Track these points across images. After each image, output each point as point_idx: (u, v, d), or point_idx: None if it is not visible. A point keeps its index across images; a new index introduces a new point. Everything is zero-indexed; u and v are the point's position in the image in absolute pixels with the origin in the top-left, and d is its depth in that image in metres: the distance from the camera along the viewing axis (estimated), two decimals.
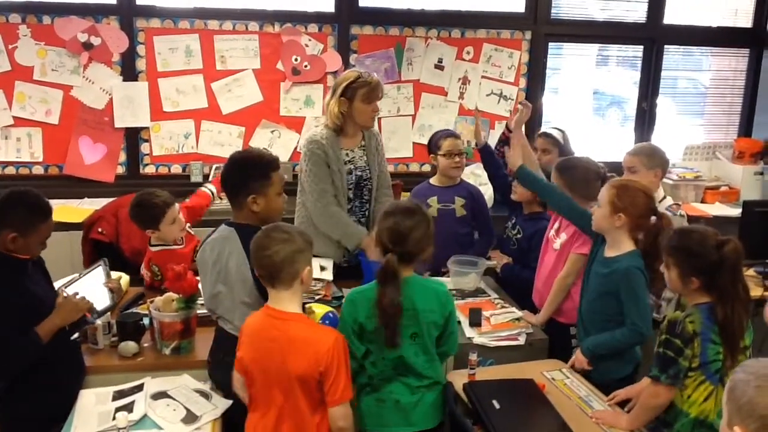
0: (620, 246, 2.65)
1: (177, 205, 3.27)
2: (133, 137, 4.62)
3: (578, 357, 2.71)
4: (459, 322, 2.79)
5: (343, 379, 2.11)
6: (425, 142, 4.82)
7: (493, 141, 4.24)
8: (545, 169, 3.52)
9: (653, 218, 2.62)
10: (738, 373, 1.40)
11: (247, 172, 2.45)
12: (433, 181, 3.79)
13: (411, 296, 2.28)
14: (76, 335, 2.68)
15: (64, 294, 2.47)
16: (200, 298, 2.63)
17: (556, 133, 3.83)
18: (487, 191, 4.42)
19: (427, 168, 4.82)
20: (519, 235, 3.50)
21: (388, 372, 2.35)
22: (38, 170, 4.55)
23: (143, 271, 3.28)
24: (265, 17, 4.62)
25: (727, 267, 2.19)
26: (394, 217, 2.30)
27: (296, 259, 2.12)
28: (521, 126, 3.32)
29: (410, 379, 2.35)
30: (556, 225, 3.12)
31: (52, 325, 2.34)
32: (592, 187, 2.97)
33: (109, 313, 2.83)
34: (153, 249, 3.24)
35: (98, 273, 2.93)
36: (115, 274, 3.23)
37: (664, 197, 3.32)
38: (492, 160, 3.77)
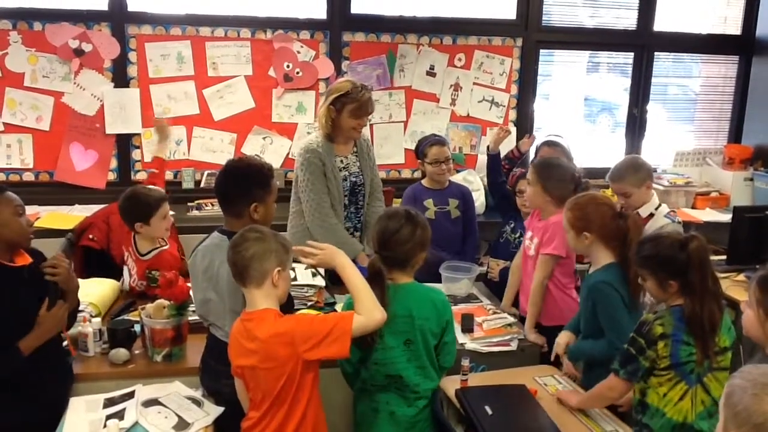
0: (599, 260, 2.66)
1: (167, 204, 3.27)
2: (125, 144, 4.61)
3: (565, 362, 2.74)
4: None
5: (330, 322, 2.09)
6: None
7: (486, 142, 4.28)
8: None
9: (621, 221, 2.60)
10: (736, 378, 1.41)
11: (250, 180, 2.46)
12: (425, 183, 3.82)
13: (406, 302, 2.30)
14: (64, 343, 2.67)
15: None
16: (192, 305, 2.62)
17: (561, 141, 3.84)
18: (479, 198, 4.44)
19: (419, 174, 4.84)
20: (521, 238, 3.50)
21: (380, 378, 2.34)
22: (29, 177, 4.53)
23: (134, 282, 3.25)
24: (257, 24, 4.62)
25: (694, 264, 2.21)
26: (380, 222, 2.36)
27: (266, 257, 2.11)
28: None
29: (404, 390, 2.33)
30: (529, 233, 3.16)
31: (32, 341, 2.31)
32: (566, 189, 3.00)
33: (100, 319, 2.82)
34: (146, 257, 3.21)
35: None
36: (104, 281, 3.22)
37: (660, 205, 3.31)
38: (497, 167, 3.87)
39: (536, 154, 3.95)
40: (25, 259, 2.37)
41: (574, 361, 2.69)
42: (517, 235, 3.57)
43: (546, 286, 3.01)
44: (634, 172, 3.26)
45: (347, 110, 3.33)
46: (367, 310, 2.12)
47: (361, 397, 2.41)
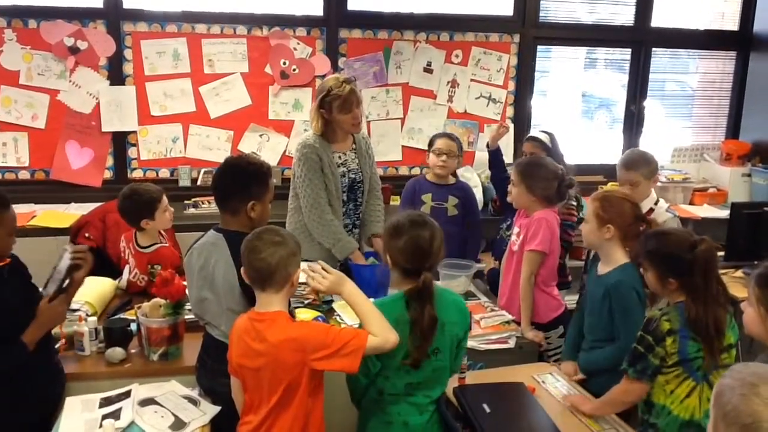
0: (613, 259, 2.63)
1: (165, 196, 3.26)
2: (121, 141, 4.59)
3: (566, 369, 2.73)
4: None
5: (345, 336, 2.04)
6: (414, 145, 4.86)
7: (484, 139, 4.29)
8: None
9: (642, 225, 2.61)
10: (725, 378, 1.41)
11: (250, 178, 2.44)
12: (428, 177, 3.85)
13: (437, 310, 2.18)
14: (61, 342, 2.66)
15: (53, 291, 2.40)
16: (188, 304, 2.61)
17: (543, 137, 3.85)
18: (476, 194, 4.43)
19: (416, 171, 4.85)
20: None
21: (401, 387, 2.22)
22: (24, 175, 4.51)
23: (136, 276, 3.23)
24: (253, 21, 4.61)
25: (699, 267, 2.21)
26: (410, 233, 2.18)
27: (289, 262, 2.10)
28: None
29: (418, 398, 2.24)
30: (516, 229, 3.16)
31: (34, 334, 2.30)
32: (549, 187, 3.02)
33: (96, 318, 2.81)
34: (147, 250, 3.20)
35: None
36: (100, 280, 3.20)
37: (658, 200, 3.32)
38: (498, 163, 3.88)
39: (521, 150, 3.95)
40: (1, 260, 2.34)
41: (588, 373, 2.66)
42: (511, 232, 3.57)
43: (533, 285, 3.02)
44: (647, 164, 3.29)
45: (335, 108, 3.33)
46: (382, 332, 2.07)
47: (371, 411, 2.29)
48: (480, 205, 4.57)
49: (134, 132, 4.59)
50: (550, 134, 3.92)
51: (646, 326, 2.24)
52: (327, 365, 2.05)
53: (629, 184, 3.27)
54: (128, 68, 4.51)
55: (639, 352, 2.23)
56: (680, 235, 2.30)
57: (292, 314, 2.54)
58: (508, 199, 3.37)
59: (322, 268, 2.18)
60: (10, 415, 2.28)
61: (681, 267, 2.22)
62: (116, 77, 4.50)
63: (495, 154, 3.89)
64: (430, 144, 3.83)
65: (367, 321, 2.10)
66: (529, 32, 5.03)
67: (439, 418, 2.31)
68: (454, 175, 3.92)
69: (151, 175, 4.63)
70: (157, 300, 2.66)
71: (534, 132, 3.99)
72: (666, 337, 2.19)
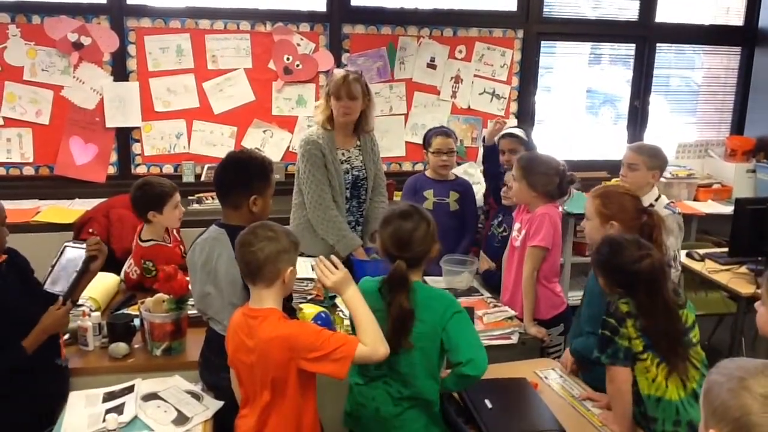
0: None
1: (178, 194, 3.26)
2: (125, 137, 4.60)
3: (566, 355, 2.72)
4: None
5: (336, 341, 2.03)
6: (418, 141, 4.84)
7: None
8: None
9: (644, 217, 2.60)
10: (713, 374, 1.39)
11: (251, 172, 2.45)
12: (428, 173, 3.86)
13: (416, 303, 2.18)
14: (66, 336, 2.67)
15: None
16: (191, 299, 2.61)
17: (519, 132, 3.86)
18: (480, 191, 4.42)
19: (420, 167, 4.84)
20: (505, 233, 3.53)
21: (375, 370, 2.23)
22: (29, 171, 4.52)
23: (131, 268, 3.24)
24: (256, 16, 4.61)
25: (641, 281, 2.20)
26: (393, 224, 2.23)
27: (280, 258, 2.08)
28: None
29: (394, 387, 2.23)
30: (516, 225, 3.15)
31: (35, 339, 2.30)
32: (551, 182, 3.02)
33: (100, 313, 2.82)
34: (145, 244, 3.20)
35: (72, 253, 2.80)
36: (104, 275, 3.21)
37: (659, 196, 3.32)
38: (493, 158, 3.88)
39: (498, 147, 3.91)
40: None
41: (576, 357, 2.66)
42: (502, 229, 3.59)
43: (536, 280, 3.01)
44: (652, 156, 3.30)
45: (331, 92, 3.36)
46: (373, 343, 2.06)
47: (352, 390, 2.34)
48: (479, 202, 4.56)
49: (138, 128, 4.60)
50: (523, 130, 3.94)
51: (607, 310, 2.24)
52: (315, 368, 2.04)
53: (628, 166, 3.30)
54: (132, 64, 4.52)
55: (606, 336, 2.22)
56: (630, 248, 2.26)
57: (294, 309, 2.55)
58: (505, 199, 3.37)
59: (333, 264, 2.17)
60: (9, 414, 2.28)
61: (624, 279, 2.24)
62: (120, 73, 4.51)
63: (491, 149, 3.89)
64: (427, 143, 3.83)
65: (361, 329, 2.09)
66: (533, 28, 5.02)
67: (413, 420, 2.24)
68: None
69: (155, 170, 4.63)
70: (161, 295, 2.67)
71: (508, 129, 3.97)
72: (626, 318, 2.19)
